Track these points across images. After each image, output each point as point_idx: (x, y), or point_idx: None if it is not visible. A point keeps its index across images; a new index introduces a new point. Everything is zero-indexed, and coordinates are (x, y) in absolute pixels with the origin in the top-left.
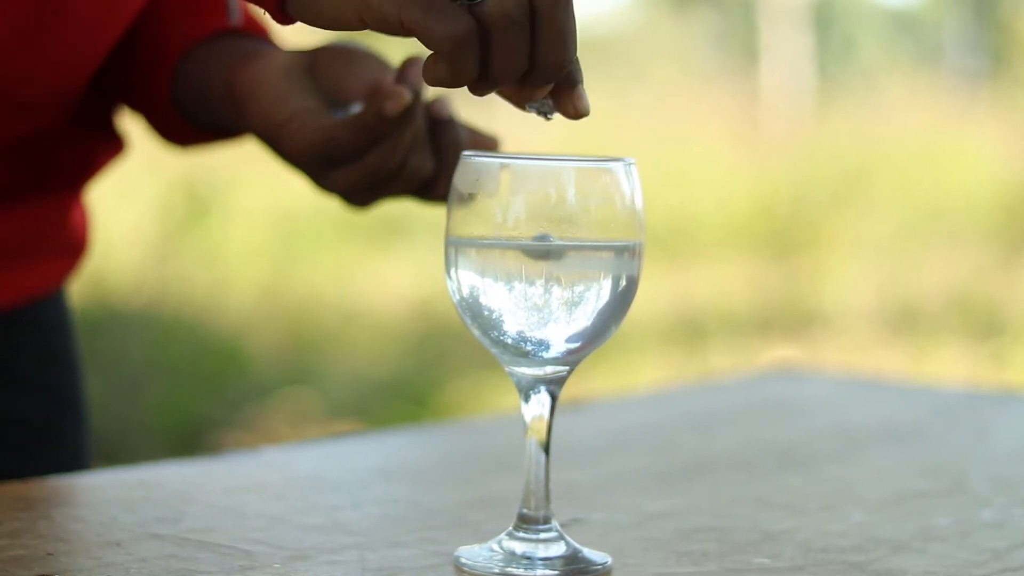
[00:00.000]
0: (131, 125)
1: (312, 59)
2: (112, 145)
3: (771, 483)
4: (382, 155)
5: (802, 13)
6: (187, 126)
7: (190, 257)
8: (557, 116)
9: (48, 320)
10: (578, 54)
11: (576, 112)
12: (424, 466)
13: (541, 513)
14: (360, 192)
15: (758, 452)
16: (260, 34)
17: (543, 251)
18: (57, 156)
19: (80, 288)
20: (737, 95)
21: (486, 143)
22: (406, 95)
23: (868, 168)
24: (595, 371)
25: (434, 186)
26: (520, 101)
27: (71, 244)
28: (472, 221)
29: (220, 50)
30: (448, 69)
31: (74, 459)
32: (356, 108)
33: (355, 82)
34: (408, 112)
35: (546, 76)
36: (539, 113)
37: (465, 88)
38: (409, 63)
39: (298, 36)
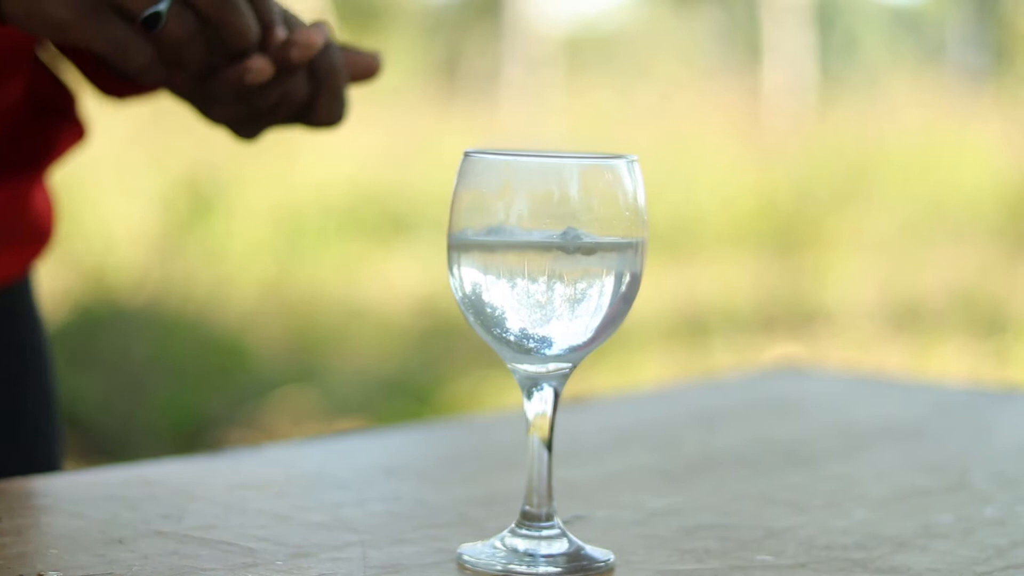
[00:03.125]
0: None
1: None
2: (73, 130)
3: (774, 480)
4: (257, 96)
5: (805, 10)
6: (118, 80)
7: (193, 254)
8: None
9: (13, 309)
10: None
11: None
12: (427, 463)
13: (544, 510)
14: (242, 125)
15: (761, 449)
16: None
17: (574, 247)
18: (16, 140)
19: (83, 285)
20: (740, 92)
21: (366, 62)
22: (267, 69)
23: (871, 165)
24: (598, 368)
25: (314, 111)
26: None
27: (34, 231)
28: (475, 218)
29: None
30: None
31: (44, 449)
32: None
33: None
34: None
35: (239, 56)
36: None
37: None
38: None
39: None
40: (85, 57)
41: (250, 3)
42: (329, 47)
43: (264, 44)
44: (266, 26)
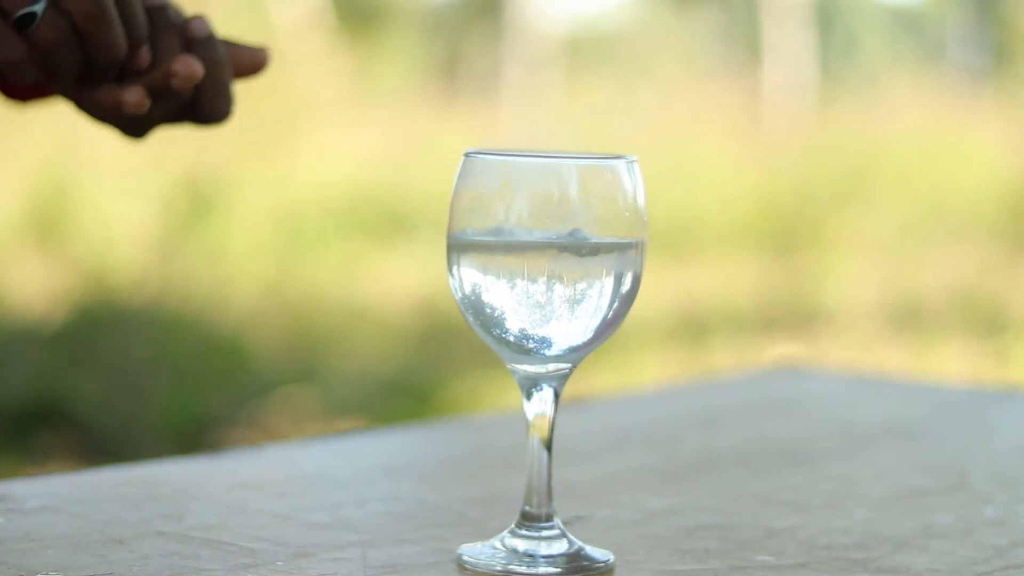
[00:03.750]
0: None
1: None
2: None
3: (774, 480)
4: (143, 116)
5: (805, 10)
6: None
7: (193, 254)
8: None
9: None
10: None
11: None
12: (427, 463)
13: (543, 511)
14: (128, 128)
15: (761, 449)
16: None
17: (585, 249)
18: None
19: (82, 285)
20: (740, 92)
21: (252, 56)
22: (139, 103)
23: (871, 165)
24: (597, 368)
25: (199, 108)
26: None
27: None
28: (474, 218)
29: None
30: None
31: None
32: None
33: None
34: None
35: (109, 69)
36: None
37: None
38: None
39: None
40: None
41: (121, 19)
42: (212, 42)
43: (130, 60)
44: (134, 44)
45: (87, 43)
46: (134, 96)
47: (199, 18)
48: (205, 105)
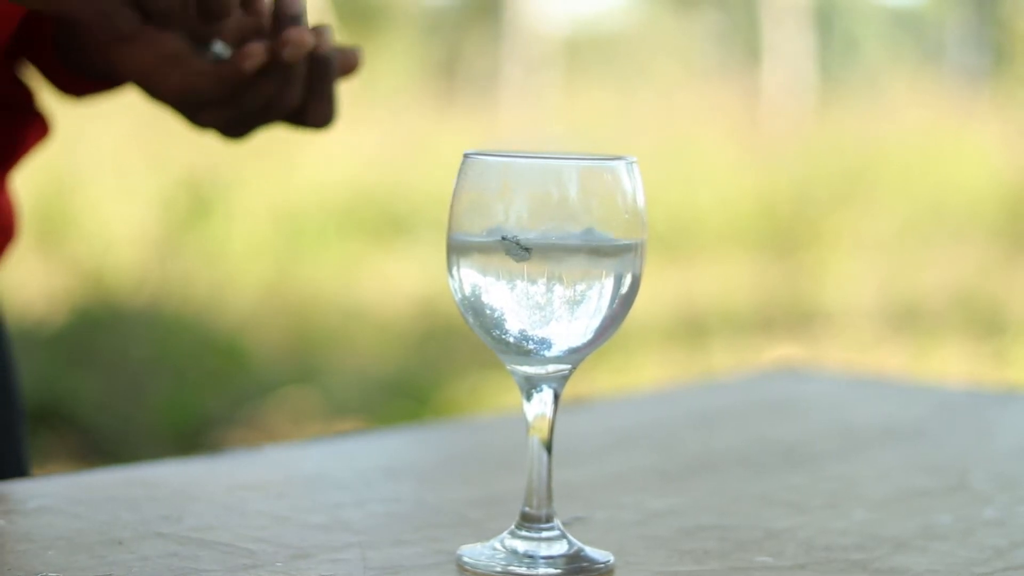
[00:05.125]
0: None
1: None
2: (37, 127)
3: (773, 481)
4: (249, 98)
5: (804, 11)
6: (75, 75)
7: (192, 255)
8: None
9: None
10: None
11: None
12: (426, 465)
13: (543, 512)
14: (232, 127)
15: (760, 450)
16: None
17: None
18: None
19: (82, 286)
20: (739, 93)
21: (347, 59)
22: (261, 54)
23: (870, 166)
24: (597, 369)
25: (305, 113)
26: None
27: None
28: (474, 220)
29: None
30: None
31: (11, 452)
32: (219, 45)
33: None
34: (270, 64)
35: (218, 19)
36: (215, 55)
37: None
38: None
39: None
40: (44, 54)
41: None
42: (325, 50)
43: (248, 7)
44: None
45: None
46: (253, 47)
47: (322, 26)
48: (311, 111)
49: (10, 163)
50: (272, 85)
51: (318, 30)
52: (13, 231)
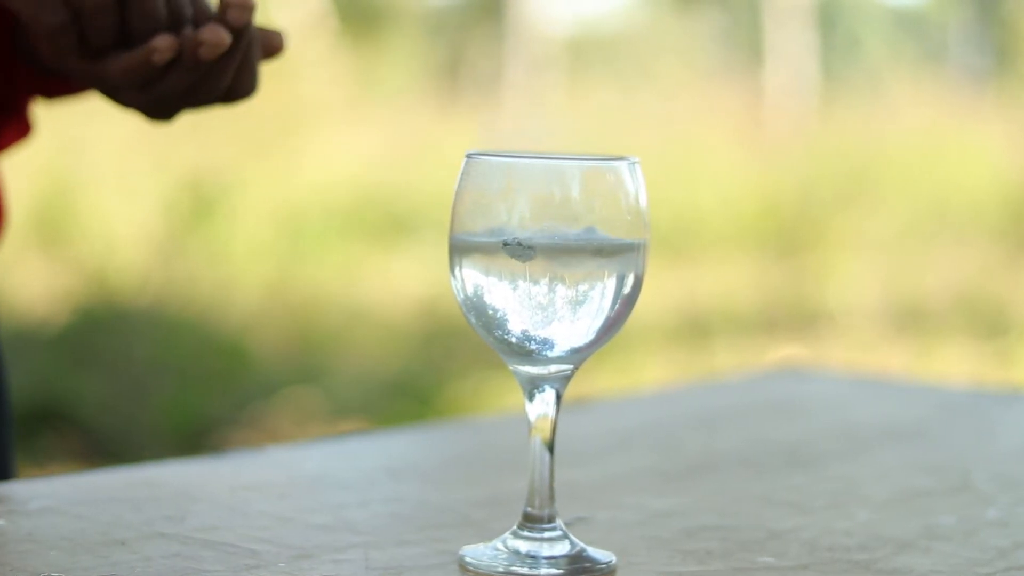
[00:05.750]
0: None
1: None
2: (18, 127)
3: (776, 482)
4: (164, 85)
5: (807, 12)
6: (42, 79)
7: (195, 256)
8: None
9: None
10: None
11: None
12: (429, 465)
13: (545, 512)
14: (153, 111)
15: (763, 451)
16: None
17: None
18: None
19: (85, 286)
20: (742, 94)
21: (271, 40)
22: (169, 49)
23: (873, 166)
24: (599, 370)
25: (231, 93)
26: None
27: None
28: (476, 220)
29: None
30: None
31: None
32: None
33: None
34: (185, 56)
35: (143, 40)
36: None
37: None
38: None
39: None
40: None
41: None
42: (250, 32)
43: (173, 30)
44: (173, 15)
45: (129, 9)
46: (163, 42)
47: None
48: (234, 86)
49: None
50: (188, 76)
51: (240, 8)
52: (1, 218)
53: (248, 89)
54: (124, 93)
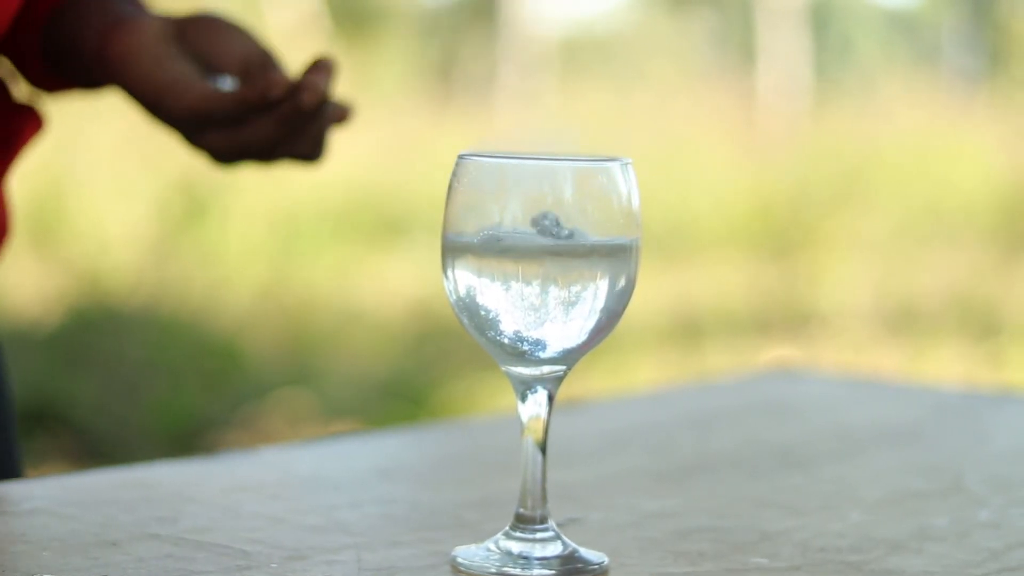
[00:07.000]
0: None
1: (183, 27)
2: (31, 122)
3: (769, 483)
4: (255, 133)
5: (800, 13)
6: (55, 77)
7: (188, 257)
8: None
9: None
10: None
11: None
12: (422, 466)
13: (538, 513)
14: (227, 155)
15: (756, 452)
16: None
17: (574, 250)
18: None
19: (77, 287)
20: (735, 95)
21: (345, 111)
22: (284, 84)
23: (866, 168)
24: (592, 371)
25: (305, 155)
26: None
27: None
28: (469, 221)
29: (92, 12)
30: None
31: (4, 461)
32: (227, 79)
33: (225, 52)
34: (285, 100)
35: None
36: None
37: None
38: (315, 67)
39: (168, 3)
40: (16, 47)
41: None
42: (327, 101)
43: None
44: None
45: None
46: (276, 76)
47: (324, 60)
48: (307, 150)
49: (7, 159)
50: (276, 128)
51: (324, 63)
52: (6, 230)
53: (318, 153)
54: (208, 133)
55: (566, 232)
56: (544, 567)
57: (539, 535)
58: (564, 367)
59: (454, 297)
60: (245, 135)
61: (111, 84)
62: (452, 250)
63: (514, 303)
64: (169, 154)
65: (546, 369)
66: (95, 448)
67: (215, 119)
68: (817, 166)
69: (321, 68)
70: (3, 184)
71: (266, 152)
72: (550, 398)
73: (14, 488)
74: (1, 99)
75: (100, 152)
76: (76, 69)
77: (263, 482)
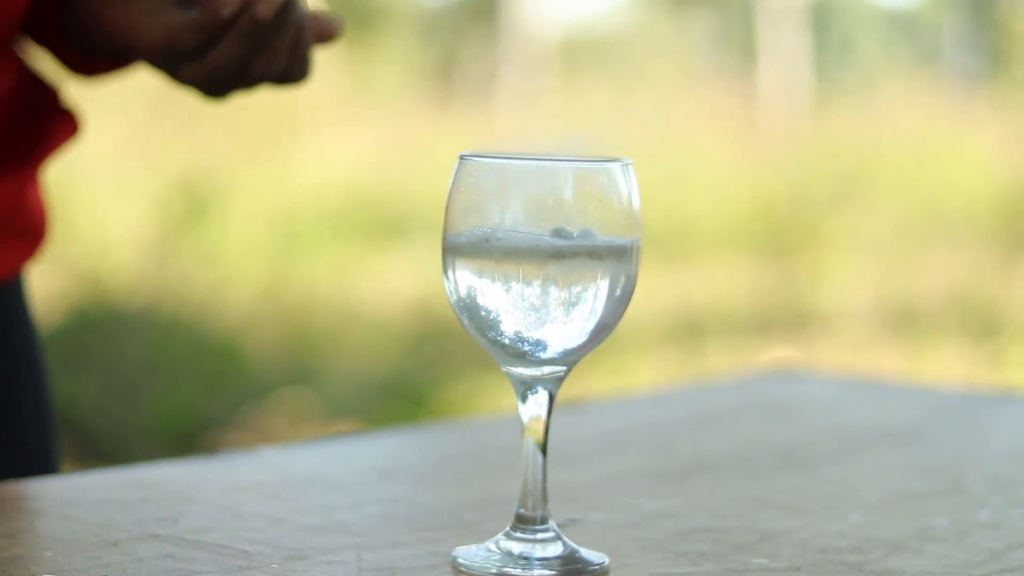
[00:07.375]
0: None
1: None
2: (66, 124)
3: (769, 483)
4: (222, 55)
5: (800, 13)
6: (82, 55)
7: (189, 257)
8: None
9: (4, 310)
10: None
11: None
12: (422, 466)
13: (538, 513)
14: (211, 86)
15: (756, 453)
16: None
17: (574, 251)
18: (8, 136)
19: (78, 287)
20: (735, 95)
21: (328, 25)
22: (236, 2)
23: (866, 168)
24: (593, 371)
25: (284, 75)
26: None
27: (28, 229)
28: (469, 221)
29: None
30: None
31: (41, 451)
32: (194, 10)
33: None
34: (242, 18)
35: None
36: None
37: None
38: None
39: None
40: (56, 37)
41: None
42: (294, 7)
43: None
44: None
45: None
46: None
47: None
48: (292, 73)
49: (39, 160)
50: (245, 46)
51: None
52: (44, 231)
53: (301, 73)
54: (183, 67)
55: (577, 234)
56: (545, 567)
57: (540, 535)
58: (565, 368)
59: (455, 298)
60: (214, 60)
61: (99, 41)
62: (453, 250)
63: (515, 304)
64: (170, 154)
65: (547, 370)
66: (95, 448)
67: (183, 51)
68: (817, 166)
69: None
70: (38, 184)
71: (240, 75)
72: (551, 398)
73: (14, 488)
74: (45, 102)
75: (101, 152)
76: (89, 39)
77: (263, 482)
